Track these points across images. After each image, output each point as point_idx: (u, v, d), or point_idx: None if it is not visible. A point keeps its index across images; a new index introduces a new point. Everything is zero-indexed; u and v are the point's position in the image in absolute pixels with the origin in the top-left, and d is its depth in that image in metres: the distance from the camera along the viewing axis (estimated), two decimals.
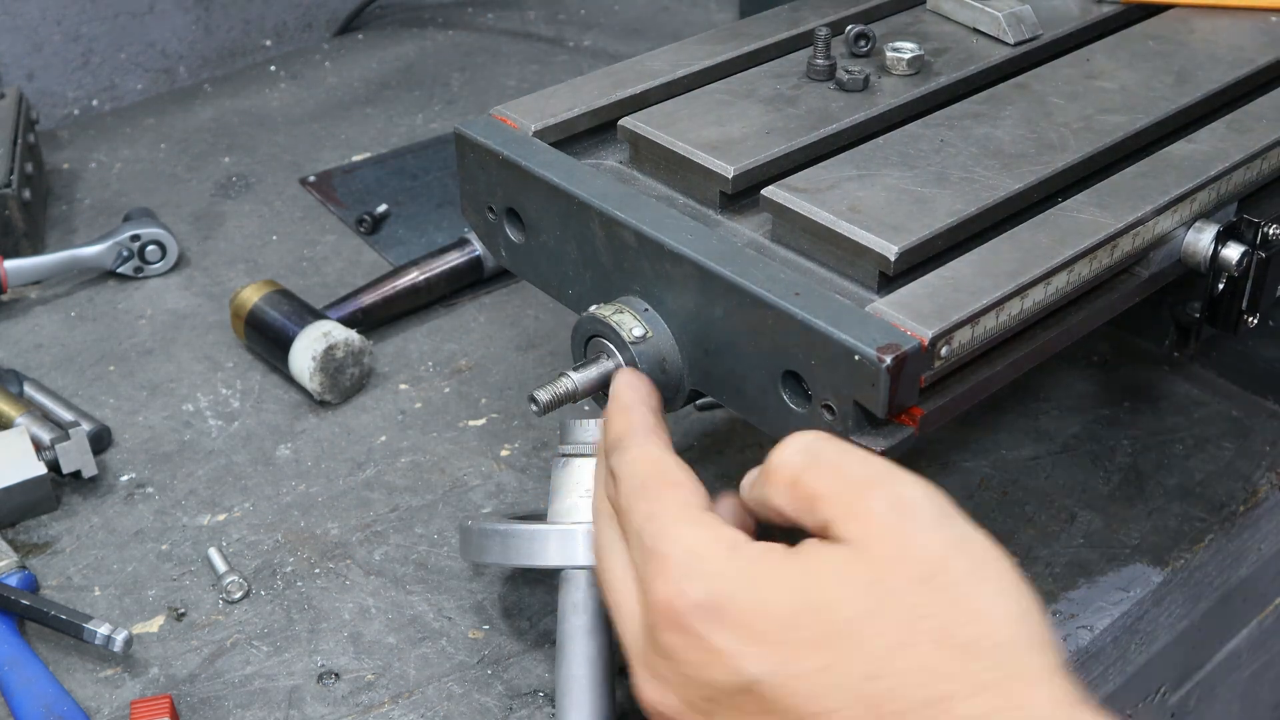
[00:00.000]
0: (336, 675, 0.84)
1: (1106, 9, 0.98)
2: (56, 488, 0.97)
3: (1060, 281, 0.73)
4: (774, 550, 0.58)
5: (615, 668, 0.77)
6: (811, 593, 0.55)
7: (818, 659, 0.53)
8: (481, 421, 1.04)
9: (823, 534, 0.58)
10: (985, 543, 0.56)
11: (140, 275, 1.21)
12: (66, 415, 1.03)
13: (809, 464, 0.59)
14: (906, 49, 0.88)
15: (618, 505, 0.64)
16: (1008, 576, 0.55)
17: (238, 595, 0.89)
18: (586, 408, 0.81)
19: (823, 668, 0.53)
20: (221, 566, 0.91)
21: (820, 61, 0.87)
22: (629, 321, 0.76)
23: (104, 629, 0.83)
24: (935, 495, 0.57)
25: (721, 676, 0.55)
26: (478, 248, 1.16)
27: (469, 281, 1.17)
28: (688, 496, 0.61)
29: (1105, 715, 0.52)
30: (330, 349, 1.03)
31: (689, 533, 0.59)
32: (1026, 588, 0.55)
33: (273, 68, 1.59)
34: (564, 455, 0.81)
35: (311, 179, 1.36)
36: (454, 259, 1.16)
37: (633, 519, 0.61)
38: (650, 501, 0.61)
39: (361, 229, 1.26)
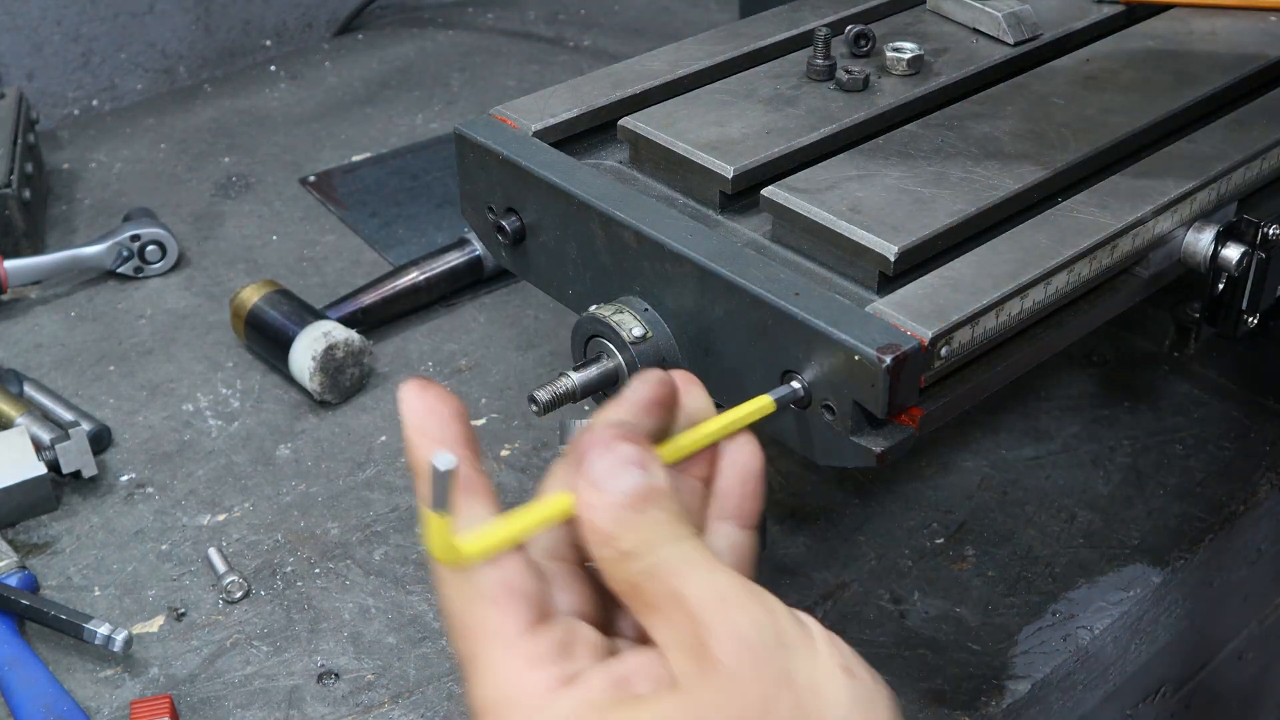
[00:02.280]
0: (336, 675, 0.84)
1: (1106, 9, 0.98)
2: (56, 488, 0.97)
3: (1060, 281, 0.73)
4: (599, 703, 0.49)
5: None
6: None
7: None
8: (481, 421, 1.04)
9: (634, 622, 0.51)
10: (828, 681, 0.49)
11: (140, 275, 1.21)
12: (66, 415, 1.03)
13: (639, 551, 0.49)
14: (906, 49, 0.88)
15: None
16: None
17: (238, 595, 0.89)
18: (586, 408, 0.81)
19: None
20: (221, 566, 0.91)
21: (820, 61, 0.87)
22: (629, 321, 0.76)
23: (104, 629, 0.83)
24: (776, 622, 0.49)
25: None
26: (478, 248, 1.16)
27: (469, 281, 1.17)
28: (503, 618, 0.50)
29: None
30: (330, 349, 1.03)
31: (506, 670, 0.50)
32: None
33: (273, 68, 1.59)
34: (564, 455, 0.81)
35: (311, 179, 1.36)
36: (454, 259, 1.16)
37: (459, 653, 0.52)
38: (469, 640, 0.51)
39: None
